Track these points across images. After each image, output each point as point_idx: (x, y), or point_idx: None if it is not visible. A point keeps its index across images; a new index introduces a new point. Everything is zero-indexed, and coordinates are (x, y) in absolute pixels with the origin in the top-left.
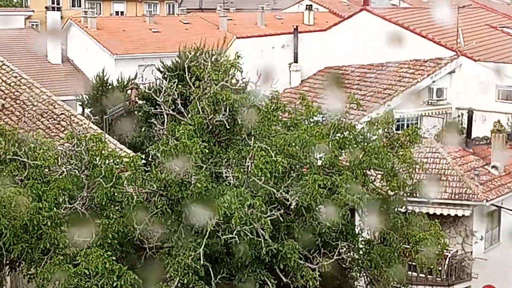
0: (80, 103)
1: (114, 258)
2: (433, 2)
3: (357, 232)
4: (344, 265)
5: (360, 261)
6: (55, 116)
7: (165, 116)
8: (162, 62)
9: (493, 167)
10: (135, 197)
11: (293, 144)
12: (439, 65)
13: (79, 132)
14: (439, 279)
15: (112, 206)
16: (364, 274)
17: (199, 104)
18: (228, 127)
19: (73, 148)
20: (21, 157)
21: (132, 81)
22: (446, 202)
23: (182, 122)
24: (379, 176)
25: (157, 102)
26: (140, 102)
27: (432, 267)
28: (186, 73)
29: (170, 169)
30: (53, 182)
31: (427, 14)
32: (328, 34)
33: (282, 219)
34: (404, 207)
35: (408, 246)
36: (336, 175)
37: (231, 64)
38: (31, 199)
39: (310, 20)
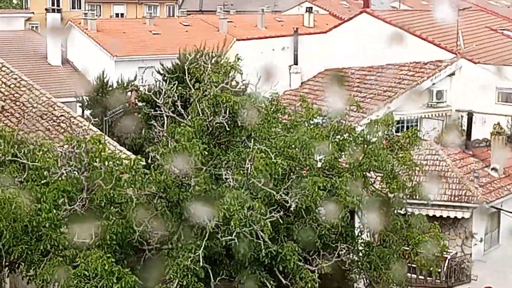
0: (80, 104)
1: (113, 259)
2: (433, 4)
3: (356, 234)
4: (343, 267)
5: (359, 263)
6: (54, 118)
7: (165, 118)
8: (162, 64)
9: (492, 169)
10: (135, 199)
11: (293, 146)
12: (439, 67)
13: (78, 133)
14: (439, 281)
15: (112, 208)
16: (364, 276)
17: (199, 106)
18: (228, 129)
19: (72, 150)
20: (20, 159)
21: (132, 83)
22: (445, 204)
23: (182, 124)
24: (379, 178)
25: (157, 104)
26: (140, 104)
27: (431, 269)
28: (186, 75)
29: (170, 171)
30: (52, 184)
31: (427, 17)
32: (328, 36)
33: (281, 221)
34: (403, 209)
35: (407, 248)
36: (336, 177)
37: (231, 66)
38: (31, 200)
39: (310, 22)
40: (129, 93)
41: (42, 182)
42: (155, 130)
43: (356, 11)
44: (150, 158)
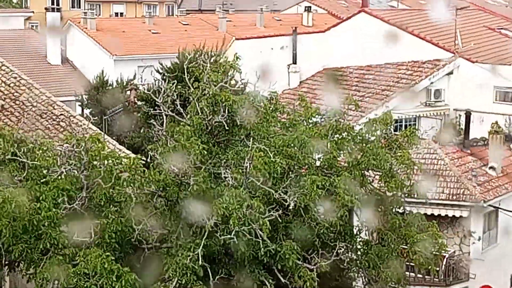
0: (80, 104)
1: (113, 258)
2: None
3: (355, 232)
4: (342, 266)
5: (358, 262)
6: (54, 117)
7: (164, 117)
8: (161, 63)
9: (490, 168)
10: (134, 197)
11: (292, 145)
12: (437, 67)
13: (78, 132)
14: (437, 279)
15: (111, 207)
16: (362, 274)
17: (198, 105)
18: (227, 128)
19: (72, 149)
20: (20, 158)
21: (131, 82)
22: (444, 203)
23: (181, 123)
24: (377, 177)
25: (156, 103)
26: (139, 103)
27: (429, 267)
28: (185, 74)
29: (169, 170)
30: (52, 183)
31: (425, 16)
32: (326, 35)
33: (280, 220)
34: (402, 208)
35: (406, 247)
36: (334, 176)
37: (230, 65)
38: (30, 199)
39: (309, 22)
40: (128, 92)
41: (42, 181)
42: (154, 129)
43: (354, 10)
44: (149, 157)
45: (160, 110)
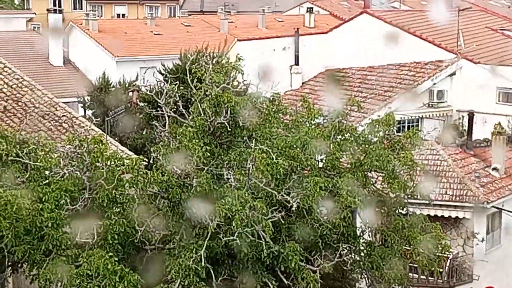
0: (82, 105)
1: (116, 259)
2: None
3: (358, 234)
4: (345, 267)
5: (361, 263)
6: (56, 118)
7: (167, 118)
8: (163, 64)
9: (493, 169)
10: (137, 199)
11: (294, 146)
12: (439, 68)
13: (80, 134)
14: (440, 280)
15: (114, 208)
16: (365, 275)
17: (201, 106)
18: (229, 129)
19: (74, 150)
20: (23, 159)
21: (134, 83)
22: (447, 204)
23: (183, 124)
24: (380, 178)
25: (159, 104)
26: (142, 104)
27: (433, 268)
28: (188, 75)
29: (172, 171)
30: (54, 184)
31: (427, 17)
32: (329, 36)
33: (283, 221)
34: (405, 209)
35: (409, 248)
36: (337, 177)
37: (233, 66)
38: (33, 200)
39: (311, 23)
40: (130, 93)
41: (44, 182)
42: (156, 130)
43: (356, 11)
44: (152, 158)
45: (163, 111)
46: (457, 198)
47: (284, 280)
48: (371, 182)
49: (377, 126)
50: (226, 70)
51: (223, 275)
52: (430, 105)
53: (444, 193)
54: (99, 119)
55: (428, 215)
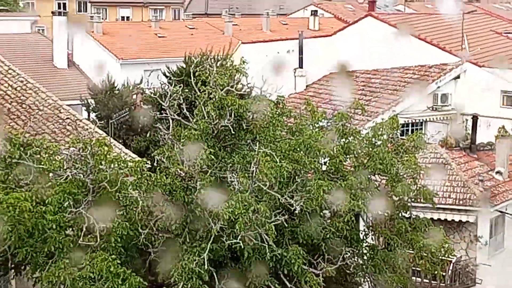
0: (85, 108)
1: (118, 261)
2: (437, 8)
3: (361, 237)
4: (348, 271)
5: (364, 266)
6: (60, 121)
7: (170, 120)
8: (167, 67)
9: (497, 172)
10: (140, 201)
11: (298, 149)
12: (444, 71)
13: (84, 136)
14: (443, 284)
15: (117, 211)
16: (368, 279)
17: (205, 109)
18: (233, 132)
19: (78, 153)
20: (26, 161)
21: (138, 86)
22: (450, 208)
23: (187, 127)
24: (383, 181)
25: (163, 106)
26: (146, 106)
27: (436, 272)
28: (192, 78)
29: (176, 174)
30: (58, 186)
31: (432, 20)
32: (333, 39)
33: (286, 224)
34: (408, 212)
35: (412, 252)
36: (341, 181)
37: (237, 69)
38: (36, 203)
39: (315, 26)
40: (134, 96)
41: (48, 184)
42: (160, 133)
43: (361, 14)
44: (155, 161)
45: (166, 114)
46: (461, 202)
47: (287, 283)
48: (375, 186)
49: (381, 129)
50: (230, 73)
51: (226, 278)
52: (434, 109)
53: (448, 197)
54: (103, 121)
55: (432, 219)
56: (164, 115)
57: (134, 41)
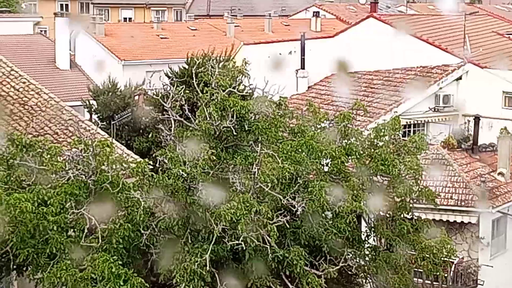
0: (87, 109)
1: (120, 262)
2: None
3: (363, 238)
4: (350, 272)
5: (366, 268)
6: (63, 122)
7: (173, 121)
8: (170, 67)
9: (499, 174)
10: (142, 202)
11: (300, 150)
12: (446, 72)
13: (86, 137)
14: (445, 286)
15: (119, 212)
16: (370, 280)
17: (207, 110)
18: (235, 133)
19: (80, 154)
20: (29, 162)
21: (140, 87)
22: (452, 209)
23: (189, 128)
24: (385, 182)
25: (165, 107)
26: (148, 107)
27: (438, 273)
28: (194, 79)
29: (177, 175)
30: (60, 187)
31: (434, 21)
32: (335, 40)
33: (288, 226)
34: (410, 214)
35: (414, 253)
36: (343, 182)
37: (239, 70)
38: (37, 204)
39: (317, 27)
40: (136, 97)
41: (50, 185)
42: (162, 134)
43: (363, 15)
44: (157, 162)
45: (169, 115)
46: (463, 203)
47: (289, 284)
48: (377, 186)
49: (383, 130)
50: (232, 74)
51: (228, 279)
52: (436, 110)
53: (450, 198)
54: (105, 123)
55: (434, 220)
56: (166, 116)
57: (136, 42)
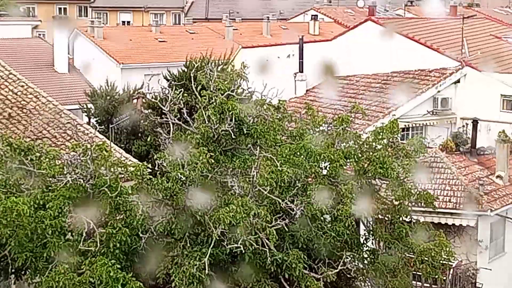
0: (86, 113)
1: (118, 266)
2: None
3: (362, 241)
4: (349, 275)
5: (364, 271)
6: (61, 125)
7: (171, 125)
8: (169, 71)
9: (497, 177)
10: (141, 205)
11: (299, 153)
12: (444, 75)
13: (85, 141)
14: None
15: (117, 215)
16: (369, 283)
17: (205, 113)
18: (233, 136)
19: (78, 157)
20: (27, 166)
21: (138, 91)
22: (451, 212)
23: (187, 131)
24: (384, 185)
25: (163, 111)
26: (146, 111)
27: (436, 276)
28: (192, 82)
29: (176, 178)
30: (58, 191)
31: (431, 25)
32: (333, 44)
33: (287, 229)
34: (409, 217)
35: (412, 256)
36: (341, 185)
37: (237, 73)
38: (35, 207)
39: (315, 30)
40: (135, 101)
41: (48, 189)
42: (161, 137)
43: (361, 19)
44: (156, 165)
45: (167, 118)
46: (461, 206)
47: (288, 287)
48: (375, 190)
49: (381, 133)
50: (230, 78)
51: (227, 283)
52: (434, 113)
53: (448, 201)
54: (103, 126)
55: (432, 223)
56: (165, 119)
57: (134, 46)
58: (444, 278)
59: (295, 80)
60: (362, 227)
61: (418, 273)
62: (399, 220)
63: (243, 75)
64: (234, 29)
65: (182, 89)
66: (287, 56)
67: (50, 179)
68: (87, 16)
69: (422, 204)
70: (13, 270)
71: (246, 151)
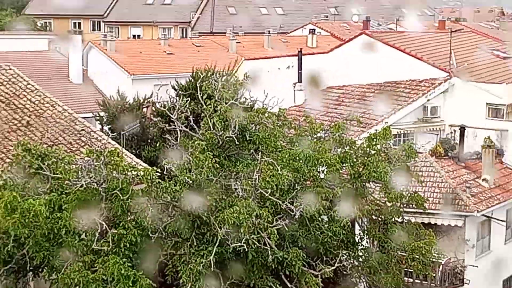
0: (99, 121)
1: (129, 264)
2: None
3: (357, 240)
4: (345, 272)
5: (359, 268)
6: (76, 132)
7: (178, 132)
8: (176, 81)
9: (483, 180)
10: (151, 207)
11: (298, 158)
12: (433, 85)
13: (98, 147)
14: (434, 285)
15: (128, 217)
16: (364, 280)
17: (210, 121)
18: (237, 142)
19: (92, 162)
20: (44, 171)
21: (148, 100)
22: (440, 213)
23: (194, 138)
24: (377, 188)
25: (171, 119)
26: (155, 119)
27: (427, 273)
28: (198, 92)
29: (183, 182)
30: (73, 194)
31: (421, 38)
32: (330, 56)
33: (287, 229)
34: (400, 217)
35: (404, 254)
36: (338, 188)
37: (240, 83)
38: (51, 209)
39: (313, 43)
40: (145, 109)
41: (64, 192)
42: (169, 143)
43: (356, 32)
44: (165, 170)
45: (175, 125)
46: (449, 207)
47: (288, 284)
48: (369, 192)
49: (374, 139)
50: (234, 87)
51: (231, 279)
52: (424, 120)
53: (437, 203)
54: (115, 133)
55: (422, 223)
56: (173, 126)
57: (144, 58)
58: (434, 274)
59: (294, 90)
60: (357, 227)
61: (409, 270)
62: (391, 220)
63: (246, 85)
64: (237, 42)
65: (189, 98)
66: (287, 67)
67: (66, 182)
68: (100, 30)
69: (413, 205)
70: (31, 268)
71: (248, 156)
